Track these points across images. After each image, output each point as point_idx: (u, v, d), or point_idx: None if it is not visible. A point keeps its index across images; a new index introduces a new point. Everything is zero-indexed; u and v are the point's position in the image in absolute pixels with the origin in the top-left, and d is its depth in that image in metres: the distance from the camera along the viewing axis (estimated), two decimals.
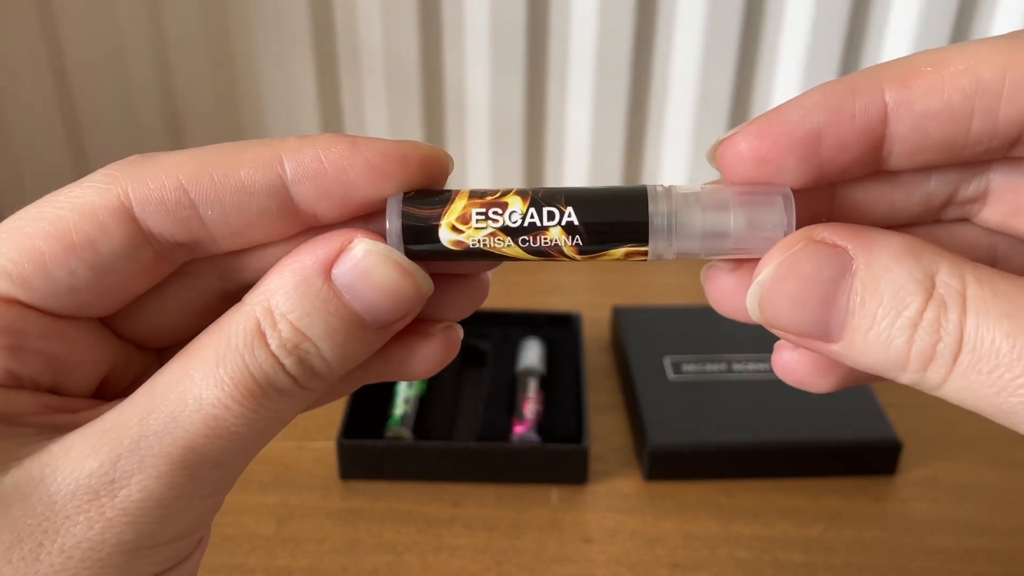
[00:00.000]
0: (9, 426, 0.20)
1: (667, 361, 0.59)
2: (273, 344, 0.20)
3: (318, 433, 0.55)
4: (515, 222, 0.21)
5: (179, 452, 0.19)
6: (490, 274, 0.24)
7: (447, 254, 0.21)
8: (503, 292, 0.67)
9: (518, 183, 0.80)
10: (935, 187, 0.22)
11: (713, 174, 0.23)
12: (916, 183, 0.22)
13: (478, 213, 0.21)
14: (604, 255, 0.21)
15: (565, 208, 0.21)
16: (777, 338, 0.22)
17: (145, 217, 0.20)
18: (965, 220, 0.23)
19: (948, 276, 0.18)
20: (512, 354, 0.60)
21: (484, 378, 0.58)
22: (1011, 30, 0.21)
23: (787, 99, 0.21)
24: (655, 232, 0.21)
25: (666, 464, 0.52)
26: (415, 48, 0.74)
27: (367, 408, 0.55)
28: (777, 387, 0.56)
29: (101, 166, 0.21)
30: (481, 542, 0.49)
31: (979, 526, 0.50)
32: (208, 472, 0.20)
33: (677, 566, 0.47)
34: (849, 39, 0.75)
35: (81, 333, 0.22)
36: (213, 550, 0.47)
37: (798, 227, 0.21)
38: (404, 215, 0.21)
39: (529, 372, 0.57)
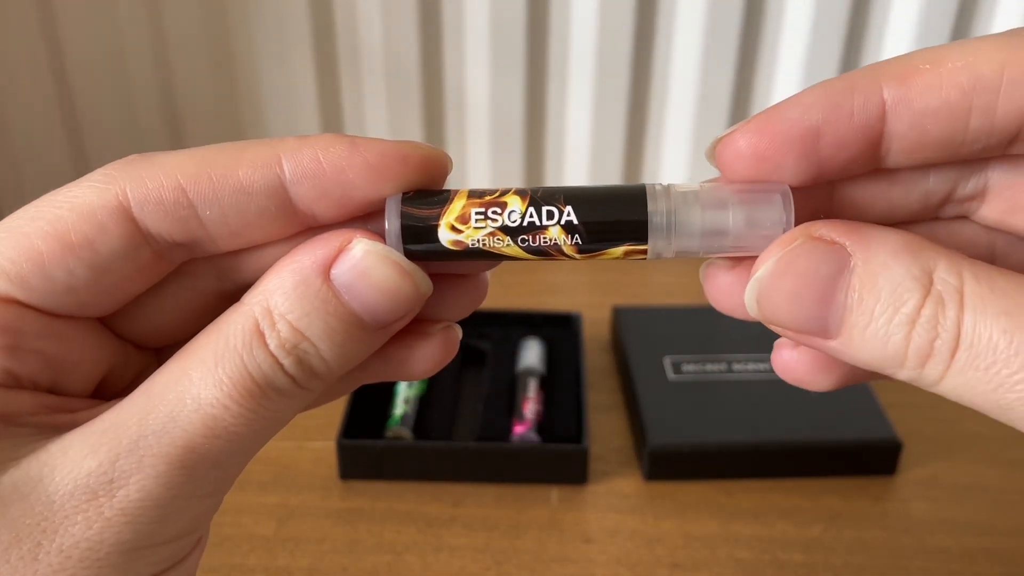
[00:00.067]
0: (7, 426, 0.20)
1: (667, 361, 0.59)
2: (272, 344, 0.20)
3: (318, 433, 0.55)
4: (514, 221, 0.21)
5: (178, 452, 0.19)
6: (489, 274, 0.24)
7: (446, 254, 0.21)
8: (503, 292, 0.67)
9: (518, 183, 0.80)
10: (933, 185, 0.22)
11: (713, 173, 0.23)
12: (914, 181, 0.22)
13: (477, 213, 0.21)
14: (603, 254, 0.21)
15: (564, 207, 0.21)
16: (777, 338, 0.22)
17: (143, 217, 0.20)
18: (963, 218, 0.23)
19: (946, 273, 0.18)
20: (512, 354, 0.60)
21: (484, 378, 0.58)
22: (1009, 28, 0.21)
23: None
24: (654, 231, 0.21)
25: (666, 464, 0.52)
26: (415, 48, 0.74)
27: (367, 408, 0.55)
28: (777, 387, 0.57)
29: (101, 166, 0.21)
30: (481, 542, 0.49)
31: (979, 526, 0.50)
32: (207, 472, 0.20)
33: (677, 566, 0.47)
34: (849, 39, 0.75)
35: (79, 333, 0.22)
36: (213, 550, 0.47)
37: (797, 225, 0.21)
38: (403, 215, 0.21)
39: (529, 372, 0.57)
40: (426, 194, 0.22)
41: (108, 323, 0.23)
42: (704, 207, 0.21)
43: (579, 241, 0.21)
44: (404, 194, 0.21)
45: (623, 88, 0.76)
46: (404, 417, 0.54)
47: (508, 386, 0.57)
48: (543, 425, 0.54)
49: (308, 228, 0.22)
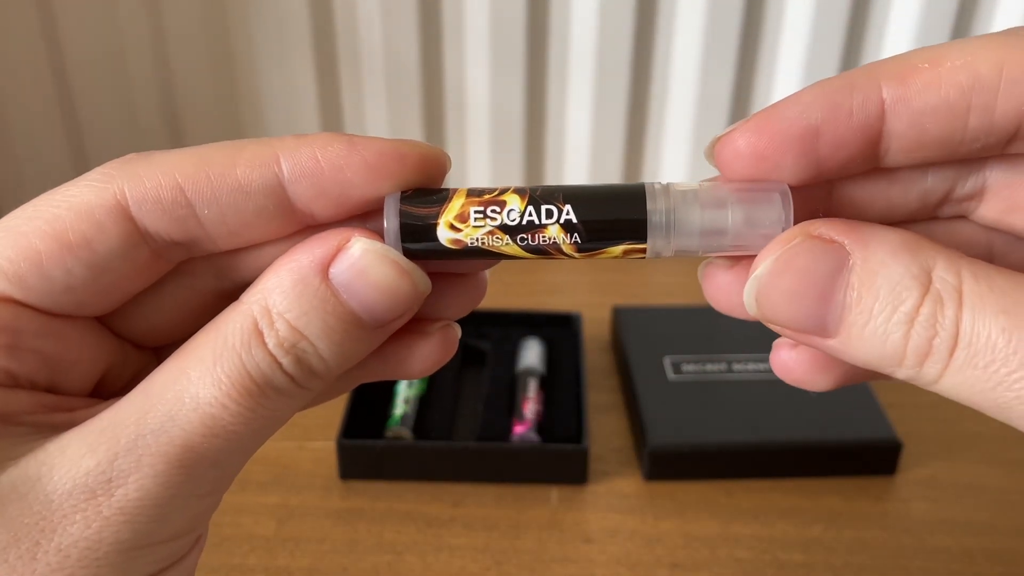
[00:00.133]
0: (5, 425, 0.20)
1: (667, 361, 0.59)
2: (270, 343, 0.20)
3: (318, 433, 0.55)
4: (513, 220, 0.21)
5: (176, 451, 0.19)
6: (489, 273, 0.24)
7: (445, 253, 0.21)
8: (503, 292, 0.67)
9: (518, 183, 0.80)
10: (932, 184, 0.22)
11: (712, 173, 0.23)
12: (913, 180, 0.22)
13: (476, 211, 0.21)
14: (603, 253, 0.21)
15: (563, 206, 0.21)
16: (776, 337, 0.22)
17: (141, 216, 0.20)
18: (962, 217, 0.23)
19: (944, 271, 0.18)
20: (512, 354, 0.60)
21: (484, 378, 0.58)
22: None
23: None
24: (653, 229, 0.21)
25: (666, 464, 0.52)
26: (415, 48, 0.74)
27: (367, 408, 0.55)
28: (777, 387, 0.56)
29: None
30: (481, 542, 0.49)
31: (979, 526, 0.50)
32: (205, 471, 0.20)
33: (677, 566, 0.47)
34: (849, 39, 0.75)
35: (78, 332, 0.22)
36: (213, 550, 0.47)
37: (796, 223, 0.21)
38: (402, 214, 0.21)
39: (529, 372, 0.57)
40: (425, 193, 0.22)
41: (106, 322, 0.23)
42: (703, 206, 0.21)
43: (578, 240, 0.21)
44: (403, 193, 0.21)
45: (623, 88, 0.76)
46: (404, 417, 0.54)
47: (508, 386, 0.57)
48: (543, 425, 0.54)
49: (306, 227, 0.22)
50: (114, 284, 0.21)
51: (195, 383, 0.20)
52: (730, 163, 0.21)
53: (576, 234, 0.21)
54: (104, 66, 0.74)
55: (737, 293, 0.22)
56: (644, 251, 0.21)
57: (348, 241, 0.21)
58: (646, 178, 0.82)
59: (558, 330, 0.63)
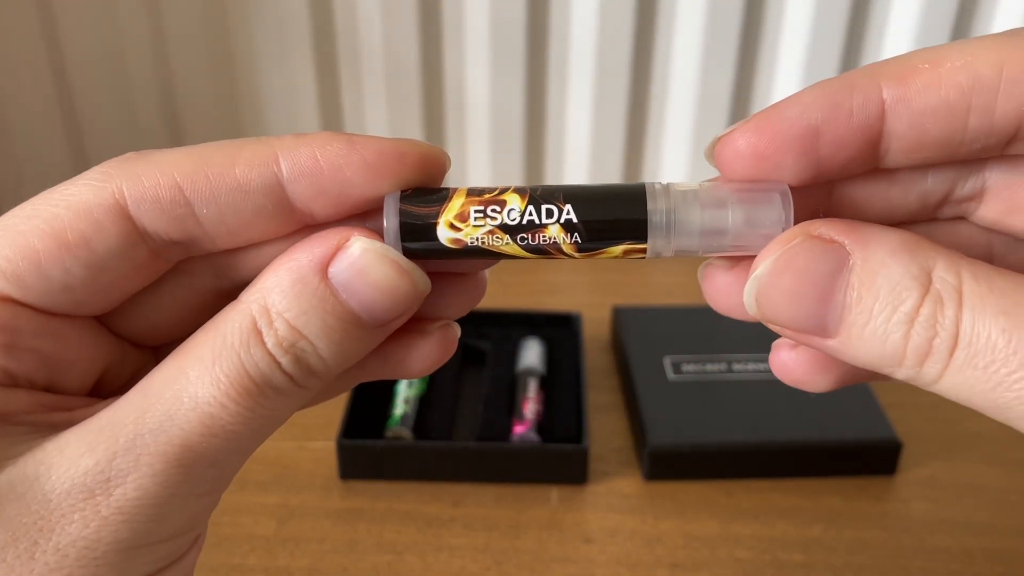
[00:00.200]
0: (4, 424, 0.20)
1: (667, 361, 0.59)
2: (269, 342, 0.20)
3: (318, 433, 0.55)
4: (513, 220, 0.21)
5: (175, 450, 0.19)
6: (488, 273, 0.24)
7: (445, 252, 0.21)
8: (502, 292, 0.67)
9: (518, 183, 0.80)
10: (932, 185, 0.22)
11: (713, 173, 0.23)
12: (913, 181, 0.22)
13: (476, 211, 0.21)
14: (603, 253, 0.21)
15: (564, 206, 0.21)
16: (776, 337, 0.22)
17: (140, 215, 0.20)
18: (962, 218, 0.23)
19: (944, 272, 0.18)
20: (512, 354, 0.60)
21: (484, 378, 0.58)
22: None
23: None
24: (654, 229, 0.21)
25: (666, 464, 0.52)
26: (415, 48, 0.74)
27: (367, 408, 0.55)
28: (777, 387, 0.56)
29: None
30: (481, 542, 0.48)
31: (979, 526, 0.50)
32: (204, 471, 0.20)
33: (677, 566, 0.47)
34: (849, 39, 0.75)
35: (76, 331, 0.22)
36: (212, 550, 0.47)
37: (796, 224, 0.21)
38: (402, 213, 0.21)
39: (529, 372, 0.57)
40: (425, 192, 0.21)
41: (105, 321, 0.23)
42: (703, 206, 0.21)
43: (578, 240, 0.21)
44: (403, 192, 0.21)
45: (623, 88, 0.76)
46: (404, 417, 0.54)
47: (508, 386, 0.57)
48: (543, 425, 0.54)
49: (306, 226, 0.22)
50: (112, 283, 0.21)
51: (194, 382, 0.20)
52: (730, 163, 0.21)
53: (576, 234, 0.21)
54: (104, 66, 0.74)
55: (737, 294, 0.21)
56: (644, 251, 0.21)
57: (347, 240, 0.21)
58: (646, 178, 0.82)
59: (558, 330, 0.63)
